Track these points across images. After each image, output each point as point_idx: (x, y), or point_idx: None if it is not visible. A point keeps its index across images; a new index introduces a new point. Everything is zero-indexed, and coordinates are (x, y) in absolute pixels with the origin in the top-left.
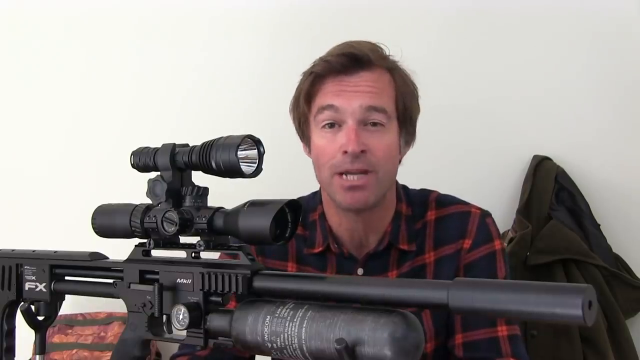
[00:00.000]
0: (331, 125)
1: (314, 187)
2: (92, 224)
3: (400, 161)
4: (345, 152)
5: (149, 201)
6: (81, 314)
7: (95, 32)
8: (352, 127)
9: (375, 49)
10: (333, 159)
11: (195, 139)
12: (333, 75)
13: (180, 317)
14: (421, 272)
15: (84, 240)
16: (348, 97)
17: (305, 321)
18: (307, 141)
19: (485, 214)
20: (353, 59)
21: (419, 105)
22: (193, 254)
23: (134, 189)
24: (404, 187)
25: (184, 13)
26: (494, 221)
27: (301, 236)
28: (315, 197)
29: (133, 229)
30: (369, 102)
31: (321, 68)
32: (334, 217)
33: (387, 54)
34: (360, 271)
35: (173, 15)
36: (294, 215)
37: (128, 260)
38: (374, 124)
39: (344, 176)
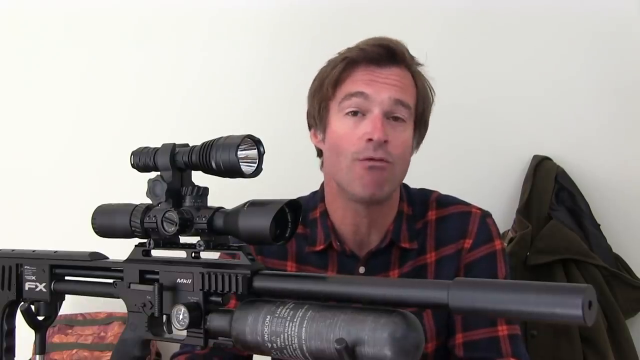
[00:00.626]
0: (355, 113)
1: (314, 186)
2: (92, 224)
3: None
4: (370, 139)
5: (149, 201)
6: (81, 314)
7: (96, 32)
8: (378, 116)
9: (406, 48)
10: (355, 146)
11: (195, 139)
12: (365, 63)
13: (180, 317)
14: (422, 271)
15: (84, 240)
16: (378, 87)
17: (305, 321)
18: (323, 128)
19: (485, 214)
20: (389, 52)
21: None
22: (193, 254)
23: (134, 189)
24: (405, 186)
25: (184, 13)
26: (494, 221)
27: (301, 235)
28: (315, 196)
29: (133, 229)
30: (397, 95)
31: (356, 54)
32: (338, 212)
33: (415, 58)
34: (361, 269)
35: (173, 15)
36: (294, 215)
37: (128, 260)
38: (396, 119)
39: (365, 161)
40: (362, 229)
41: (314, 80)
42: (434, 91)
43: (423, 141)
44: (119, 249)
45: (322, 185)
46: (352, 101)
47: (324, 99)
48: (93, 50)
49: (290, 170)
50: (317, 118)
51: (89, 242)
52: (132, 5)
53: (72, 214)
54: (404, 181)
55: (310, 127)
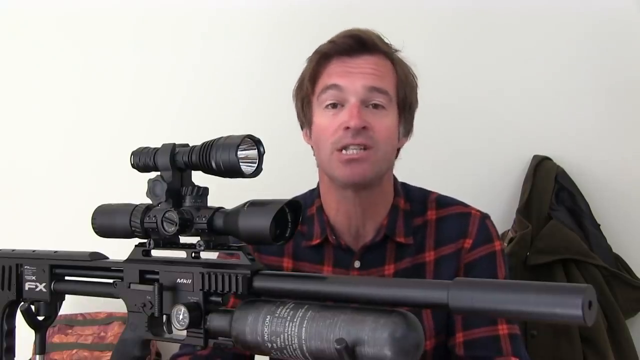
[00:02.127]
0: (334, 105)
1: (313, 186)
2: (92, 224)
3: (398, 152)
4: (347, 127)
5: (149, 201)
6: (81, 314)
7: (94, 32)
8: (354, 104)
9: (379, 36)
10: (334, 136)
11: (195, 139)
12: (338, 55)
13: (180, 317)
14: (421, 270)
15: (84, 240)
16: (352, 77)
17: (305, 321)
18: (309, 124)
19: (484, 216)
20: (359, 42)
21: (417, 98)
22: (193, 254)
23: (134, 189)
24: (403, 184)
25: (183, 13)
26: (493, 223)
27: (298, 232)
28: (312, 193)
29: (133, 229)
30: (371, 82)
31: (327, 48)
32: (332, 204)
33: (391, 45)
34: (357, 264)
35: (172, 15)
36: (294, 215)
37: (128, 260)
38: (375, 106)
39: (343, 151)
40: (355, 218)
41: (297, 80)
42: (416, 76)
43: (423, 140)
44: (119, 249)
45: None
46: (328, 94)
47: (305, 96)
48: (92, 50)
49: (290, 170)
50: (303, 116)
51: (89, 242)
52: (131, 5)
53: (72, 214)
54: (402, 180)
55: (302, 128)
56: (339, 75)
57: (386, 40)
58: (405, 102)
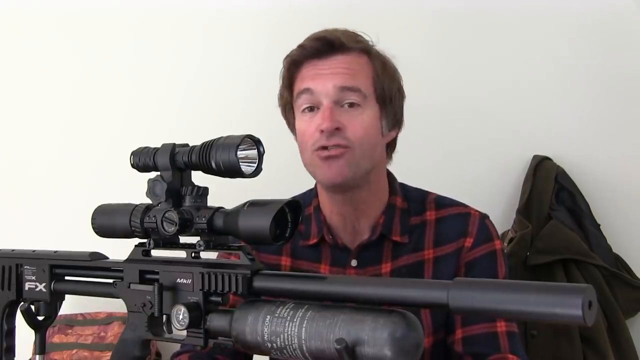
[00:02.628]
0: (310, 109)
1: (312, 186)
2: (92, 224)
3: (392, 146)
4: (322, 131)
5: (148, 201)
6: (81, 314)
7: (94, 32)
8: (327, 106)
9: (348, 33)
10: (312, 139)
11: (195, 139)
12: (308, 60)
13: (180, 317)
14: (419, 268)
15: (84, 240)
16: (322, 79)
17: (305, 321)
18: (293, 128)
19: (484, 216)
20: (326, 43)
21: (401, 88)
22: (193, 254)
23: (134, 189)
24: (401, 184)
25: (182, 13)
26: (492, 223)
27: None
28: (310, 193)
29: (133, 229)
30: (342, 82)
31: (297, 53)
32: (327, 205)
33: (365, 39)
34: (354, 262)
35: (171, 15)
36: (294, 215)
37: (128, 260)
38: (350, 105)
39: (320, 151)
40: (349, 217)
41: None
42: (397, 69)
43: (422, 140)
44: (119, 249)
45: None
46: (303, 98)
47: (286, 103)
48: (92, 50)
49: (290, 170)
50: (287, 121)
51: (89, 242)
52: (131, 5)
53: (72, 214)
54: (402, 182)
55: (290, 130)
56: (310, 79)
57: (359, 36)
58: (384, 96)
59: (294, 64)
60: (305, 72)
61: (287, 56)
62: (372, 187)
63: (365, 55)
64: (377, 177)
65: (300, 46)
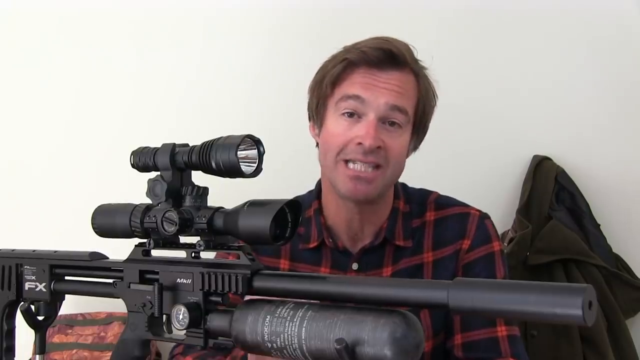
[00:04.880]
0: (351, 114)
1: (313, 186)
2: (92, 224)
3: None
4: (360, 143)
5: (149, 201)
6: (81, 314)
7: (94, 32)
8: (372, 121)
9: (409, 50)
10: (344, 147)
11: (195, 139)
12: (365, 66)
13: (180, 317)
14: (419, 271)
15: (84, 240)
16: (376, 91)
17: (305, 321)
18: (320, 123)
19: (484, 216)
20: (390, 55)
21: (432, 116)
22: (193, 254)
23: (134, 189)
24: (403, 185)
25: (183, 12)
26: (492, 223)
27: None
28: (310, 195)
29: (133, 229)
30: (394, 101)
31: (356, 56)
32: (332, 206)
33: (418, 58)
34: (355, 266)
35: (172, 14)
36: (294, 215)
37: (128, 260)
38: (392, 124)
39: (350, 164)
40: (354, 224)
41: (316, 73)
42: (436, 95)
43: (423, 141)
44: (119, 249)
45: (319, 180)
46: (348, 103)
47: (322, 96)
48: (92, 50)
49: (290, 170)
50: (315, 112)
51: (88, 242)
52: (131, 5)
53: (71, 213)
54: (403, 181)
55: (309, 119)
56: (363, 87)
57: (415, 55)
58: (421, 120)
59: (350, 65)
60: (359, 77)
61: (343, 57)
62: (383, 200)
63: (415, 76)
64: (389, 190)
65: (362, 51)
